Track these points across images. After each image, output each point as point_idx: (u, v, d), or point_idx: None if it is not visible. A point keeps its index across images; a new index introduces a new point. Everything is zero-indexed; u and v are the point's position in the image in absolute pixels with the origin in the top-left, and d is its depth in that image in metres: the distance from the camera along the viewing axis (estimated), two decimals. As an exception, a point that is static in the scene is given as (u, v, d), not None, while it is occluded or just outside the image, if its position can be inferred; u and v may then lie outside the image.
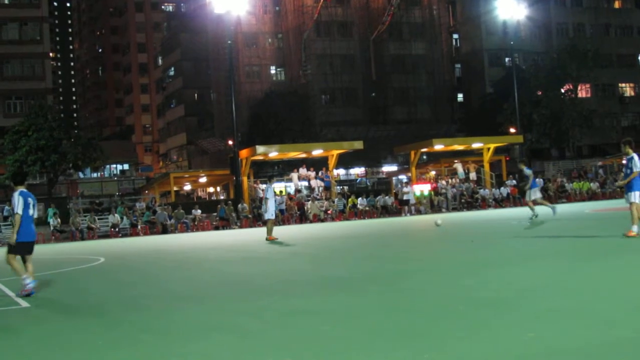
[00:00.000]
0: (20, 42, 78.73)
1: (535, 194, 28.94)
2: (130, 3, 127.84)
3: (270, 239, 25.37)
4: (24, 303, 12.45)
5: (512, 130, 65.58)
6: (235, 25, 57.74)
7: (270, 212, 26.20)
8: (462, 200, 52.45)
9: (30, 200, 13.55)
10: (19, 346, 8.75)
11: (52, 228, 45.01)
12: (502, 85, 74.82)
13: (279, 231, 26.24)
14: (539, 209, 28.47)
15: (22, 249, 13.52)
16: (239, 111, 54.60)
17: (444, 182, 55.36)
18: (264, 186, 32.48)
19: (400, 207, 50.46)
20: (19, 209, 13.29)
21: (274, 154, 52.02)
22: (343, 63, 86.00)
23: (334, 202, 49.95)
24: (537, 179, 31.03)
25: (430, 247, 20.10)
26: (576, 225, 24.94)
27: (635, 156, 17.19)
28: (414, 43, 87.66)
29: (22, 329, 9.99)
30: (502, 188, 53.85)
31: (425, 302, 9.86)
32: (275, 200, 27.23)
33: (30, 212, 13.54)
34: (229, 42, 54.33)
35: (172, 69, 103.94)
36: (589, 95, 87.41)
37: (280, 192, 51.82)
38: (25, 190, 13.61)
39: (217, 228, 46.44)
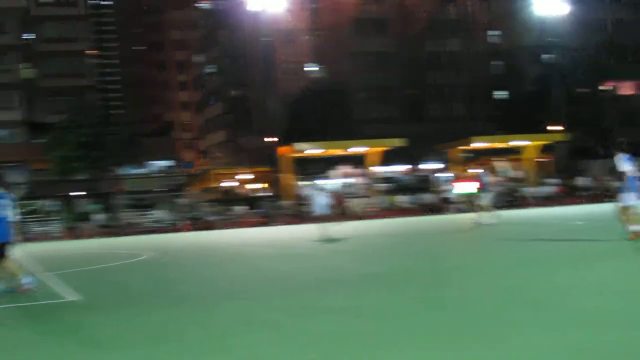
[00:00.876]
0: (61, 40, 79.41)
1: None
2: (168, 1, 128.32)
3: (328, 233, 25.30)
4: (70, 296, 12.65)
5: (553, 128, 64.98)
6: (272, 23, 57.79)
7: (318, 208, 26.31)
8: (504, 199, 52.15)
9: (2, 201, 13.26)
10: (63, 337, 8.95)
11: (96, 223, 45.44)
12: (542, 82, 74.19)
13: (319, 229, 26.13)
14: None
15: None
16: (276, 108, 54.69)
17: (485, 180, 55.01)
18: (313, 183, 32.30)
19: (442, 205, 50.29)
20: None
21: (313, 151, 52.04)
22: (380, 60, 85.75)
23: (374, 199, 49.88)
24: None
25: (472, 246, 20.03)
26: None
27: (622, 157, 16.67)
28: (451, 40, 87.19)
29: (67, 321, 10.22)
30: (544, 187, 53.44)
31: (466, 300, 9.83)
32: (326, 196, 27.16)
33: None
34: (266, 39, 54.37)
35: (210, 66, 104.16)
36: (632, 92, 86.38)
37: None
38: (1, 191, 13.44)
39: (257, 224, 46.58)
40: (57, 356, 7.94)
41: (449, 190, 49.94)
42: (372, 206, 49.03)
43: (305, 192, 27.85)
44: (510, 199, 52.06)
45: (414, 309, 9.39)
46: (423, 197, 51.29)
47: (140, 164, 75.71)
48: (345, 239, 24.88)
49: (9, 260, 13.15)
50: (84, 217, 48.35)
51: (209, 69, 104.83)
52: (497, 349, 6.79)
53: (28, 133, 76.68)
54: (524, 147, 56.00)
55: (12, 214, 13.29)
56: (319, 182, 27.33)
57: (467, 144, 54.87)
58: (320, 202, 26.40)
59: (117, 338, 8.72)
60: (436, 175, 60.04)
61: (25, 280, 13.52)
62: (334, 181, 51.91)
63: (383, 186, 54.47)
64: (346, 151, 53.52)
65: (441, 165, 65.74)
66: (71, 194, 59.37)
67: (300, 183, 50.61)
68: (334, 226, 26.20)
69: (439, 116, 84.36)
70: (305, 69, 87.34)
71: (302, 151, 50.61)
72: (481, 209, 28.88)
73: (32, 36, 79.99)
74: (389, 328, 8.08)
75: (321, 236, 25.29)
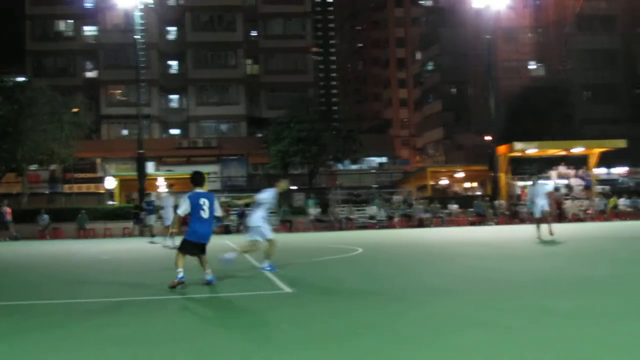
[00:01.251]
0: (284, 37, 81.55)
1: None
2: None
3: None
4: (287, 288, 13.03)
5: None
6: (494, 20, 57.13)
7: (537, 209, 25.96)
8: None
9: (204, 200, 13.61)
10: (279, 326, 9.22)
11: (312, 217, 46.33)
12: None
13: (537, 230, 25.70)
14: None
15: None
16: (496, 107, 54.04)
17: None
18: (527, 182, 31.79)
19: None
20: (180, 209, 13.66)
21: (532, 150, 51.17)
22: (605, 58, 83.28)
23: (594, 201, 48.57)
24: None
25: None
26: None
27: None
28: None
29: (283, 311, 10.52)
30: None
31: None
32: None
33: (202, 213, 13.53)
34: (488, 37, 53.90)
35: (430, 63, 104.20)
36: None
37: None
38: (201, 191, 13.79)
39: (472, 224, 46.30)
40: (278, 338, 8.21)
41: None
42: (590, 208, 47.70)
43: (524, 192, 27.04)
44: None
45: (635, 315, 9.11)
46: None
47: (356, 160, 76.68)
48: (563, 241, 24.34)
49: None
50: (301, 210, 49.43)
51: (429, 67, 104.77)
52: None
53: (249, 127, 79.26)
54: None
55: (216, 213, 13.85)
56: (539, 182, 26.68)
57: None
58: (539, 202, 25.77)
59: (327, 328, 8.93)
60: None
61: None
62: (552, 182, 50.90)
63: (603, 188, 52.92)
64: (566, 151, 52.26)
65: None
66: (294, 187, 60.85)
67: (517, 183, 49.90)
68: (551, 228, 25.56)
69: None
70: (527, 66, 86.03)
71: (520, 150, 49.84)
72: None
73: (257, 33, 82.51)
74: (609, 334, 7.93)
75: (538, 237, 24.84)
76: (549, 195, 27.35)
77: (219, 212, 13.98)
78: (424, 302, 10.99)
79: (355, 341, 8.02)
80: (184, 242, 13.58)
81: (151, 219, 36.07)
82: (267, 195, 16.70)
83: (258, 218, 16.62)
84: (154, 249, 27.88)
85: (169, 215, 29.33)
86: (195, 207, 13.42)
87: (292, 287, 13.19)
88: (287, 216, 45.67)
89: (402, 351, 7.50)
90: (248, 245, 16.79)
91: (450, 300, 10.97)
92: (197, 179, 13.90)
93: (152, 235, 34.13)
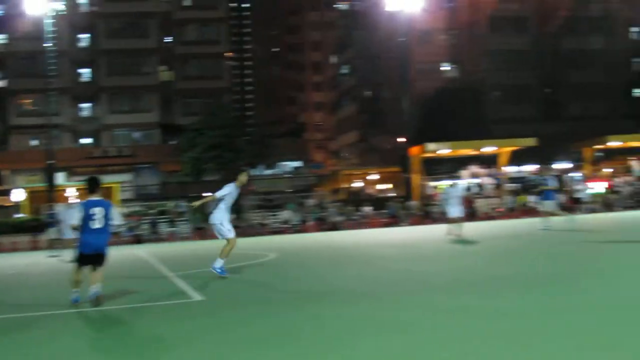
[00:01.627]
0: (199, 43, 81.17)
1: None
2: (305, 2, 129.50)
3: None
4: (198, 296, 13.00)
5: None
6: (408, 23, 57.67)
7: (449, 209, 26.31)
8: (638, 199, 50.80)
9: (97, 209, 12.56)
10: (190, 334, 9.17)
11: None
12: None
13: (449, 230, 26.06)
14: None
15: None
16: (410, 109, 54.59)
17: (619, 179, 53.77)
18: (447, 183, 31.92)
19: (574, 205, 49.28)
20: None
21: (444, 151, 51.76)
22: (516, 59, 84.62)
23: (504, 199, 49.32)
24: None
25: (606, 248, 19.44)
26: None
27: None
28: (591, 37, 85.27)
29: (193, 320, 10.48)
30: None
31: (597, 304, 9.71)
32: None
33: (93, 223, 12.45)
34: (402, 39, 54.39)
35: (346, 67, 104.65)
36: None
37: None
38: (95, 199, 12.70)
39: (386, 225, 46.59)
40: (185, 353, 8.20)
41: (581, 191, 48.92)
42: (501, 206, 48.44)
43: (436, 192, 27.30)
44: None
45: (543, 311, 9.33)
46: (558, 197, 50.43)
47: (271, 165, 76.68)
48: (474, 240, 24.71)
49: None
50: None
51: (344, 70, 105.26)
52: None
53: (164, 135, 78.65)
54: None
55: (115, 222, 12.96)
56: (451, 182, 27.00)
57: (603, 143, 53.63)
58: (452, 202, 26.14)
59: (236, 336, 8.93)
60: (569, 175, 58.91)
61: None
62: (463, 181, 51.57)
63: (513, 186, 53.79)
64: (477, 151, 53.04)
65: (574, 165, 64.49)
66: (202, 194, 60.57)
67: (430, 183, 50.43)
68: (462, 227, 25.99)
69: (578, 115, 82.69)
70: (440, 68, 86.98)
71: (432, 151, 50.40)
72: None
73: (172, 39, 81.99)
74: (520, 329, 8.11)
75: (450, 237, 25.22)
76: (462, 194, 27.75)
77: (116, 221, 13.04)
78: (338, 305, 11.06)
79: (268, 348, 8.05)
80: (79, 256, 12.61)
81: (52, 232, 35.08)
82: (226, 191, 16.44)
83: (218, 216, 16.44)
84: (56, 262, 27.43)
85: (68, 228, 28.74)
86: (87, 216, 12.36)
87: (203, 295, 13.17)
88: (199, 223, 45.41)
89: (318, 356, 7.58)
90: (226, 246, 16.51)
91: (365, 303, 11.07)
92: (90, 185, 12.84)
93: (54, 248, 33.30)
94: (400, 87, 58.24)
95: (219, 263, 16.10)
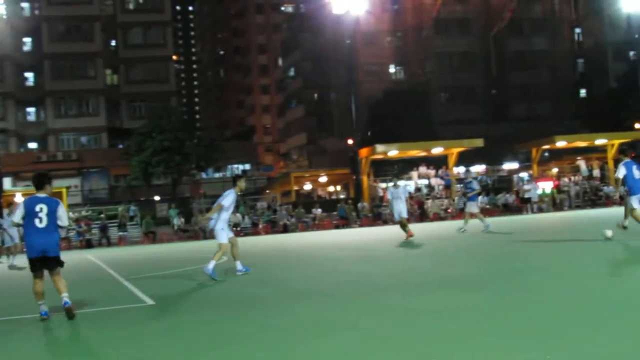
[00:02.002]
0: (144, 46, 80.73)
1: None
2: (251, 5, 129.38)
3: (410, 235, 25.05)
4: (149, 301, 12.88)
5: (638, 125, 63.81)
6: (354, 25, 57.84)
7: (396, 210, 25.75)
8: (586, 198, 51.40)
9: (41, 206, 11.38)
10: (141, 339, 9.13)
11: (175, 228, 45.91)
12: (627, 79, 72.67)
13: (400, 230, 26.06)
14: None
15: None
16: (358, 110, 54.68)
17: (566, 179, 54.36)
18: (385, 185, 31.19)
19: (522, 205, 49.74)
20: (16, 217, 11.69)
21: (393, 152, 51.96)
22: (462, 60, 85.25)
23: (454, 200, 49.60)
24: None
25: (553, 246, 19.62)
26: None
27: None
28: (535, 38, 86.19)
29: (144, 324, 10.47)
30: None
31: (547, 302, 9.68)
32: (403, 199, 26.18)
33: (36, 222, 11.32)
34: (348, 41, 54.50)
35: (292, 69, 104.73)
36: None
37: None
38: (41, 195, 11.55)
39: (337, 227, 46.66)
40: (135, 357, 8.15)
41: (529, 190, 49.39)
42: (451, 207, 48.71)
43: (385, 194, 26.86)
44: (594, 197, 51.30)
45: (496, 310, 9.33)
46: (502, 197, 50.87)
47: (220, 168, 76.44)
48: (424, 241, 24.69)
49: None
50: (164, 221, 49.00)
51: (291, 72, 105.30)
52: (583, 350, 6.76)
53: (111, 139, 78.07)
54: (606, 146, 55.15)
55: (59, 222, 11.52)
56: (400, 185, 26.75)
57: (550, 143, 54.19)
58: (399, 203, 25.74)
59: (189, 339, 8.83)
60: (517, 175, 59.53)
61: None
62: (412, 182, 51.80)
63: (462, 187, 54.16)
64: (426, 152, 53.32)
65: (521, 165, 65.09)
66: (151, 198, 60.27)
67: (379, 185, 50.57)
68: (409, 228, 25.76)
69: (524, 116, 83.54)
70: (387, 70, 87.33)
71: (381, 153, 50.53)
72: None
73: (117, 43, 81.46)
74: (470, 329, 8.09)
75: (400, 238, 25.07)
76: (410, 195, 27.74)
77: (63, 221, 11.57)
78: (287, 307, 11.01)
79: (219, 351, 8.01)
80: (29, 263, 11.44)
81: None
82: (231, 199, 16.47)
83: (220, 222, 16.43)
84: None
85: (14, 234, 28.16)
86: (30, 214, 11.24)
87: (154, 299, 13.04)
88: (150, 227, 45.09)
89: (268, 358, 7.52)
90: (218, 252, 16.47)
91: (314, 305, 11.04)
92: (36, 182, 11.65)
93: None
94: (348, 89, 58.29)
95: (211, 265, 16.04)
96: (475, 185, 28.08)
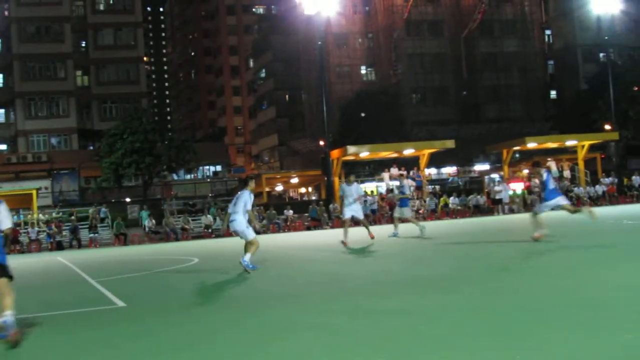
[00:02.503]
0: (115, 47, 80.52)
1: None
2: (222, 6, 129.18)
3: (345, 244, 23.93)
4: (120, 302, 12.83)
5: (608, 127, 64.32)
6: (325, 26, 57.93)
7: (344, 212, 24.89)
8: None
9: None
10: (112, 341, 9.06)
11: (146, 229, 45.73)
12: (597, 81, 73.32)
13: (372, 231, 25.88)
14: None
15: None
16: (330, 112, 54.74)
17: (537, 180, 54.62)
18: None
19: (493, 206, 49.96)
20: None
21: (365, 154, 52.07)
22: (434, 62, 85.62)
23: (425, 201, 49.72)
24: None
25: (522, 247, 19.72)
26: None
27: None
28: (506, 40, 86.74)
29: (116, 326, 10.35)
30: (597, 186, 52.97)
31: (518, 302, 9.73)
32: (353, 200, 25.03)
33: None
34: (319, 42, 54.54)
35: (263, 70, 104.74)
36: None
37: (372, 192, 51.96)
38: None
39: (308, 228, 46.68)
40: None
41: (500, 191, 49.63)
42: (423, 208, 48.82)
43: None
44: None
45: (466, 310, 9.33)
46: (473, 198, 51.08)
47: (191, 170, 76.31)
48: (396, 241, 24.80)
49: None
50: (135, 223, 48.80)
51: (262, 74, 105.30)
52: (553, 350, 6.73)
53: (81, 140, 77.70)
54: (576, 147, 55.58)
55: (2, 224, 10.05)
56: (355, 183, 26.10)
57: (521, 144, 54.48)
58: (350, 205, 24.78)
59: (160, 341, 8.84)
60: (488, 176, 59.79)
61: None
62: (384, 183, 51.91)
63: (433, 188, 54.33)
64: (398, 153, 53.42)
65: (492, 167, 65.40)
66: (122, 200, 60.03)
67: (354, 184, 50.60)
68: (369, 231, 25.42)
69: (495, 117, 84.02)
70: (359, 71, 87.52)
71: (353, 154, 50.60)
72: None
73: (87, 44, 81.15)
74: (441, 330, 8.11)
75: (342, 242, 24.26)
76: (381, 197, 27.65)
77: (4, 223, 9.99)
78: (259, 308, 10.99)
79: (190, 352, 7.98)
80: None
81: None
82: (251, 199, 16.77)
83: (242, 221, 16.63)
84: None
85: None
86: None
87: (125, 301, 12.97)
88: (120, 229, 44.86)
89: (235, 358, 7.54)
90: (251, 246, 16.71)
91: (285, 306, 11.03)
92: None
93: None
94: (319, 90, 58.38)
95: (247, 257, 16.45)
96: (406, 190, 27.79)
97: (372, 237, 24.80)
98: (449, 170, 69.56)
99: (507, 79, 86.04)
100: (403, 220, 27.93)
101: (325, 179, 52.04)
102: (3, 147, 78.20)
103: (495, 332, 7.70)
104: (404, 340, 7.72)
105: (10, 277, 9.71)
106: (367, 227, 25.68)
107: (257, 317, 10.10)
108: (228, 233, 29.89)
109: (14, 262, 12.10)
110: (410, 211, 28.50)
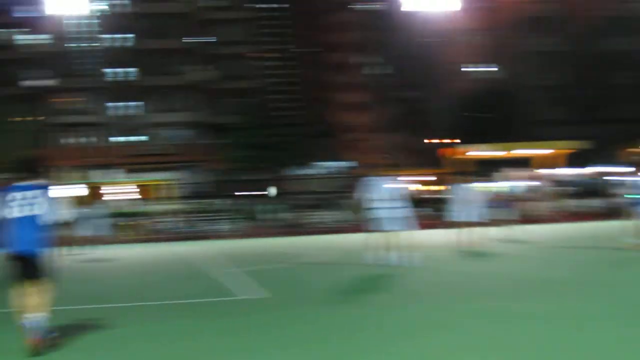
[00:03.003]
0: (231, 43, 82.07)
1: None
2: (337, 3, 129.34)
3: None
4: (260, 293, 13.37)
5: None
6: (440, 23, 57.86)
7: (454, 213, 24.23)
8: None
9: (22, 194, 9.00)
10: (252, 330, 9.68)
11: (274, 223, 46.47)
12: None
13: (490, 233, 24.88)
14: None
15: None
16: (443, 110, 54.81)
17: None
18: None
19: (621, 210, 48.72)
20: None
21: (480, 153, 51.79)
22: (553, 60, 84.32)
23: (546, 203, 49.13)
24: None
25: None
26: None
27: None
28: (630, 37, 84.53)
29: (257, 317, 10.85)
30: None
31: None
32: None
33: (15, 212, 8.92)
34: (433, 40, 54.43)
35: (382, 67, 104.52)
36: None
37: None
38: (23, 184, 9.08)
39: (429, 227, 46.83)
40: (248, 347, 8.65)
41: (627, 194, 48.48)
42: (545, 210, 48.25)
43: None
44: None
45: (605, 316, 9.40)
46: (599, 201, 50.12)
47: (309, 164, 77.05)
48: (518, 243, 24.46)
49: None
50: (261, 215, 49.72)
51: (380, 71, 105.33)
52: None
53: (203, 134, 79.36)
54: None
55: (53, 212, 9.01)
56: (482, 185, 25.49)
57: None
58: (458, 204, 24.45)
59: (302, 335, 9.36)
60: (617, 178, 58.74)
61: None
62: (500, 184, 51.74)
63: (557, 189, 53.66)
64: (514, 154, 52.96)
65: (623, 169, 64.23)
66: (248, 193, 61.17)
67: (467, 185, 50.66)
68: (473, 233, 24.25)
69: (616, 118, 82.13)
70: (476, 69, 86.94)
71: (468, 153, 50.55)
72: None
73: (209, 39, 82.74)
74: (573, 336, 8.20)
75: (488, 241, 23.77)
76: (499, 196, 26.69)
77: (54, 214, 8.96)
78: (391, 306, 11.24)
79: (316, 345, 8.56)
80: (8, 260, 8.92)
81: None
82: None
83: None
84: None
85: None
86: (9, 204, 8.93)
87: (265, 292, 13.48)
88: (249, 222, 45.60)
89: (386, 346, 7.95)
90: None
91: (416, 305, 11.32)
92: (21, 168, 9.27)
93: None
94: (436, 87, 58.23)
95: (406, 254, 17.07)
96: None
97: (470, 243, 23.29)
98: (571, 171, 68.50)
99: (631, 78, 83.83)
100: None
101: (456, 177, 52.18)
102: (136, 138, 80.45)
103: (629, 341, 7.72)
104: (532, 345, 7.90)
105: (39, 277, 8.84)
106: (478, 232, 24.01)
107: (386, 315, 10.38)
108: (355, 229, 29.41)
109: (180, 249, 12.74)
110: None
